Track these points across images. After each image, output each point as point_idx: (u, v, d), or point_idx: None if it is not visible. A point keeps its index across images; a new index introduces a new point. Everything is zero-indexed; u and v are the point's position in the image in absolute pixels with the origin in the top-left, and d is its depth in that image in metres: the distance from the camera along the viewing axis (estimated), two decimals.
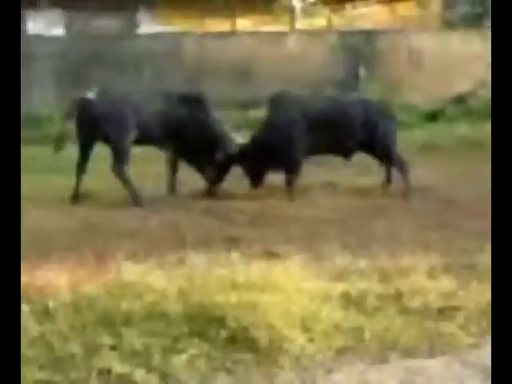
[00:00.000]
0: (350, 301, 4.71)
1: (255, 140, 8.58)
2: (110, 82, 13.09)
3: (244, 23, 20.42)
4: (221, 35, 16.92)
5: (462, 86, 14.92)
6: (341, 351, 4.14)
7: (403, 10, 21.39)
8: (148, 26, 18.50)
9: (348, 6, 21.80)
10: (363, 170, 9.36)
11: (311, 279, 4.97)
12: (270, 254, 5.71)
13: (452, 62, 15.55)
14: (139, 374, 3.83)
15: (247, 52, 15.60)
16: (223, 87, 13.69)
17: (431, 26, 18.92)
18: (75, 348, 4.02)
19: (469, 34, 16.03)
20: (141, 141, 8.43)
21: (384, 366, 4.03)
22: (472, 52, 15.52)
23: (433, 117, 14.20)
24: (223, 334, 4.18)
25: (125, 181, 8.15)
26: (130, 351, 4.03)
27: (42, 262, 5.22)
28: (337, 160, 9.00)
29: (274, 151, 8.41)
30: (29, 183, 8.47)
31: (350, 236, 6.43)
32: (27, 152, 10.86)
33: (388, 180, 8.82)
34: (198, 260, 5.32)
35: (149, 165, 9.40)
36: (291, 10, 18.95)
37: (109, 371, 3.84)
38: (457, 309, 4.63)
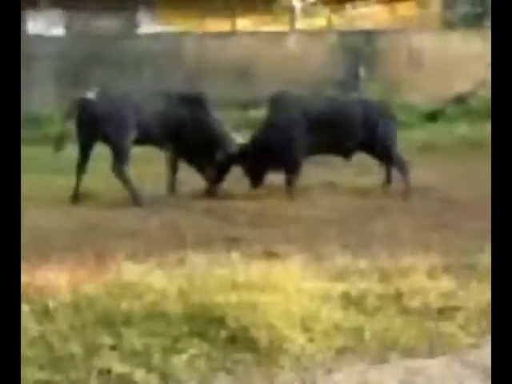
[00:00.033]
0: (350, 301, 4.71)
1: (255, 140, 8.58)
2: (110, 82, 13.09)
3: (244, 23, 20.42)
4: (221, 35, 16.92)
5: (462, 86, 14.93)
6: (341, 351, 4.14)
7: (403, 10, 21.39)
8: (148, 26, 18.50)
9: (348, 6, 21.80)
10: (363, 170, 9.36)
11: (311, 279, 4.97)
12: (270, 254, 5.71)
13: (452, 62, 15.55)
14: (139, 374, 3.83)
15: (247, 52, 15.60)
16: (223, 87, 13.69)
17: (431, 26, 18.92)
18: (75, 348, 4.03)
19: (469, 34, 16.04)
20: (141, 141, 8.43)
21: (384, 366, 4.03)
22: (472, 52, 15.52)
23: (433, 117, 14.19)
24: (223, 334, 4.18)
25: (125, 181, 8.15)
26: (129, 351, 4.03)
27: (42, 262, 5.22)
28: (337, 160, 9.00)
29: (274, 151, 8.41)
30: (29, 183, 8.47)
31: (350, 236, 6.43)
32: (27, 152, 10.84)
33: (388, 180, 8.82)
34: (198, 260, 5.32)
35: (149, 165, 9.40)
36: (291, 10, 18.95)
37: (109, 371, 3.84)
38: (457, 309, 4.63)
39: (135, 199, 8.06)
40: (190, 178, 8.74)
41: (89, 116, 8.26)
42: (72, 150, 8.48)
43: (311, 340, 4.19)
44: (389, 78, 15.28)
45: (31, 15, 17.23)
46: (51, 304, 4.46)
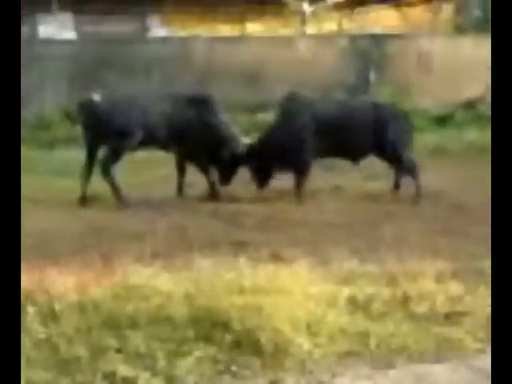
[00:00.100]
0: (356, 305, 4.70)
1: (263, 140, 8.58)
2: (121, 86, 13.13)
3: (254, 28, 20.42)
4: (230, 39, 16.91)
5: (471, 91, 14.87)
6: (346, 356, 4.13)
7: (414, 14, 21.35)
8: (158, 29, 18.52)
9: (359, 10, 21.78)
10: (372, 174, 9.33)
11: (318, 283, 4.96)
12: (277, 258, 5.69)
13: (462, 66, 15.48)
14: (144, 377, 3.83)
15: (257, 56, 15.58)
16: (232, 91, 13.66)
17: (442, 30, 18.86)
18: (81, 351, 4.03)
19: (479, 38, 15.96)
20: (147, 143, 8.43)
21: (390, 371, 4.01)
22: (482, 57, 15.43)
23: (442, 121, 14.14)
24: (229, 337, 4.18)
25: (110, 181, 8.16)
26: (135, 354, 4.03)
27: (49, 264, 5.22)
28: (345, 164, 8.98)
29: (282, 152, 8.39)
30: (38, 185, 8.54)
31: (358, 240, 6.41)
32: (38, 155, 10.99)
33: (397, 185, 8.76)
34: (204, 263, 5.31)
35: (159, 167, 9.42)
36: (301, 15, 18.93)
37: (114, 374, 3.84)
38: (464, 314, 4.61)
39: (119, 200, 8.07)
40: (200, 181, 8.73)
41: (94, 118, 8.28)
42: (80, 154, 8.50)
43: (317, 344, 4.18)
44: (399, 82, 15.23)
45: (43, 19, 17.28)
46: (57, 306, 4.46)
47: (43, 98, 14.28)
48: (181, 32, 18.49)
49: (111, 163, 8.22)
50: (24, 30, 15.52)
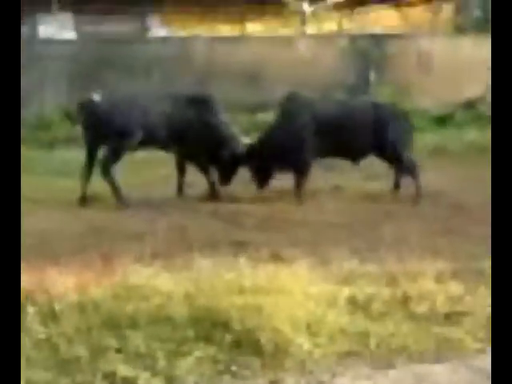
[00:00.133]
0: (356, 305, 4.70)
1: (263, 140, 8.58)
2: (121, 86, 13.13)
3: (254, 28, 20.42)
4: (230, 39, 16.92)
5: (471, 91, 14.87)
6: (347, 356, 4.13)
7: (414, 14, 21.34)
8: (158, 30, 18.53)
9: (358, 10, 21.77)
10: (371, 174, 9.33)
11: (318, 283, 4.96)
12: (277, 258, 5.69)
13: (462, 66, 15.48)
14: (144, 377, 3.83)
15: (257, 56, 15.58)
16: (232, 91, 13.66)
17: (442, 30, 18.86)
18: (81, 351, 4.03)
19: (479, 38, 15.96)
20: (147, 143, 8.43)
21: (390, 371, 4.01)
22: (482, 57, 15.43)
23: (442, 121, 14.14)
24: (229, 337, 4.18)
25: (111, 181, 8.16)
26: (135, 354, 4.03)
27: (49, 264, 5.22)
28: (345, 164, 8.98)
29: (282, 152, 8.38)
30: (38, 185, 8.54)
31: (358, 240, 6.41)
32: (37, 155, 11.00)
33: (396, 185, 8.75)
34: (204, 263, 5.31)
35: (159, 167, 9.42)
36: (301, 15, 18.92)
37: (114, 374, 3.84)
38: (464, 314, 4.61)
39: (119, 200, 8.08)
40: (200, 181, 8.73)
41: (94, 118, 8.29)
42: (80, 154, 8.51)
43: (317, 344, 4.18)
44: (399, 82, 15.23)
45: (43, 19, 17.29)
46: (57, 306, 4.46)
47: (43, 98, 14.28)
48: (181, 32, 18.48)
49: (111, 163, 8.22)
50: (24, 29, 15.52)
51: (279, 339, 4.14)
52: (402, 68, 16.06)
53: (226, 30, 19.49)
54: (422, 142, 10.86)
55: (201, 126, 8.48)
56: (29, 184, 8.50)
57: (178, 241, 6.40)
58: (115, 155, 8.25)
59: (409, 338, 4.31)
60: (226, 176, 8.65)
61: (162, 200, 8.25)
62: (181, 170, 8.76)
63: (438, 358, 4.15)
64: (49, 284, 4.74)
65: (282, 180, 8.63)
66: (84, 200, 8.16)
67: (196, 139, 8.50)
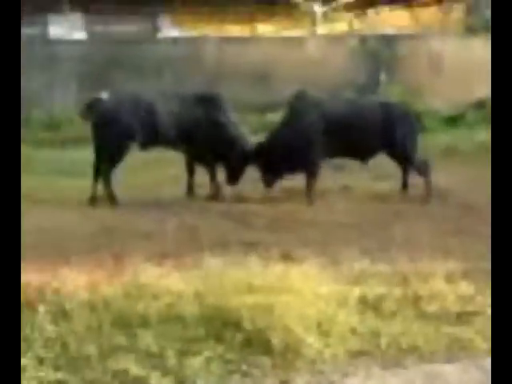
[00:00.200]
0: (367, 305, 4.69)
1: (271, 139, 8.56)
2: (131, 86, 13.15)
3: (265, 28, 20.41)
4: (240, 40, 16.93)
5: (482, 91, 14.82)
6: (357, 355, 4.12)
7: (425, 15, 21.30)
8: (168, 30, 18.56)
9: (370, 11, 21.75)
10: (380, 174, 9.31)
11: (328, 283, 4.95)
12: (287, 258, 5.69)
13: (473, 67, 15.45)
14: (154, 375, 3.83)
15: (267, 57, 15.60)
16: (242, 91, 13.68)
17: (453, 31, 18.82)
18: (91, 349, 4.04)
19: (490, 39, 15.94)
20: (156, 142, 8.44)
21: (401, 371, 4.01)
22: None
23: (453, 122, 14.11)
24: (239, 336, 4.18)
25: (106, 182, 8.19)
26: (145, 353, 4.04)
27: (60, 263, 5.24)
28: (354, 164, 8.96)
29: (290, 150, 8.36)
30: (48, 186, 8.58)
31: (368, 240, 6.41)
32: (48, 155, 11.04)
33: (404, 185, 8.73)
34: (214, 263, 5.30)
35: (168, 167, 9.44)
36: (312, 15, 18.92)
37: (124, 372, 3.84)
38: (474, 314, 4.60)
39: (111, 200, 8.13)
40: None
41: (102, 117, 8.31)
42: (90, 153, 8.53)
43: (327, 344, 4.17)
44: (409, 83, 15.22)
45: (53, 19, 17.34)
46: (68, 305, 4.46)
47: (53, 98, 14.33)
48: (191, 32, 18.50)
49: (115, 163, 8.24)
50: (35, 30, 15.61)
51: (290, 339, 4.13)
52: (413, 68, 16.05)
53: (236, 30, 19.48)
54: (433, 142, 10.85)
55: (209, 125, 8.49)
56: (39, 184, 8.56)
57: (189, 240, 6.41)
58: (119, 155, 8.26)
59: (419, 337, 4.30)
60: (234, 175, 8.65)
61: (172, 200, 8.26)
62: (190, 171, 8.76)
63: (448, 358, 4.14)
64: (60, 282, 4.75)
65: (291, 180, 8.61)
66: (94, 200, 8.18)
67: (204, 138, 8.50)
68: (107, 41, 15.87)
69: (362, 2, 20.14)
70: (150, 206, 7.90)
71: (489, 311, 4.55)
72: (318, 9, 18.78)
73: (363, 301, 4.72)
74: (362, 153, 8.60)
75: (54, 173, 9.83)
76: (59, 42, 15.74)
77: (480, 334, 4.35)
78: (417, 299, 4.78)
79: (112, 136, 8.21)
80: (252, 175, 8.68)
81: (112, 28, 17.63)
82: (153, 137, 8.34)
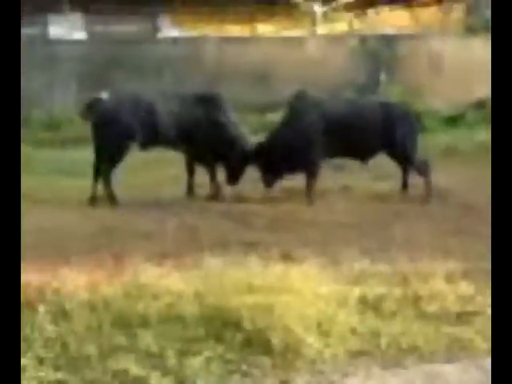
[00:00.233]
0: (367, 305, 4.69)
1: (271, 139, 8.56)
2: (131, 86, 13.16)
3: (265, 28, 20.42)
4: (240, 40, 16.93)
5: (482, 91, 14.82)
6: (357, 355, 4.12)
7: (425, 15, 21.30)
8: (168, 30, 18.56)
9: (370, 11, 21.75)
10: (380, 174, 9.31)
11: (328, 283, 4.95)
12: (288, 258, 5.69)
13: (473, 67, 15.45)
14: (154, 375, 3.83)
15: (267, 57, 15.60)
16: (242, 91, 13.68)
17: (453, 31, 18.83)
18: (91, 349, 4.04)
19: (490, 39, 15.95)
20: (156, 142, 8.45)
21: (401, 371, 4.01)
22: None
23: (453, 122, 14.11)
24: (239, 336, 4.18)
25: (106, 182, 8.19)
26: (145, 353, 4.04)
27: (60, 263, 5.24)
28: (354, 164, 8.97)
29: (290, 150, 8.36)
30: (50, 185, 8.58)
31: (368, 240, 6.41)
32: (48, 155, 11.04)
33: (404, 185, 8.73)
34: (214, 263, 5.30)
35: (168, 167, 9.44)
36: (312, 15, 18.92)
37: (124, 372, 3.85)
38: (475, 314, 4.60)
39: (111, 200, 8.13)
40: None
41: (102, 117, 8.31)
42: (90, 153, 8.53)
43: (327, 344, 4.17)
44: (409, 83, 15.23)
45: (53, 19, 17.35)
46: (68, 305, 4.46)
47: (54, 98, 14.33)
48: (191, 32, 18.50)
49: (115, 163, 8.25)
50: (35, 30, 15.61)
51: (290, 339, 4.13)
52: (413, 68, 16.05)
53: (236, 30, 19.49)
54: (433, 142, 10.85)
55: (209, 125, 8.50)
56: (39, 184, 8.57)
57: (188, 240, 6.42)
58: (119, 154, 8.27)
59: (419, 337, 4.30)
60: (234, 175, 8.66)
61: (172, 200, 8.26)
62: (190, 171, 8.77)
63: (448, 358, 4.14)
64: (60, 282, 4.75)
65: (291, 180, 8.61)
66: (94, 200, 8.18)
67: (204, 138, 8.51)
68: (107, 41, 15.87)
69: (362, 2, 20.14)
70: (150, 206, 7.90)
71: (489, 311, 4.55)
72: (318, 9, 18.78)
73: (363, 301, 4.72)
74: (361, 153, 8.60)
75: (54, 173, 9.83)
76: (59, 41, 15.74)
77: (480, 334, 4.35)
78: (417, 299, 4.78)
79: (112, 136, 8.22)
80: (252, 175, 8.68)
81: (112, 28, 17.63)
82: (153, 137, 8.34)
